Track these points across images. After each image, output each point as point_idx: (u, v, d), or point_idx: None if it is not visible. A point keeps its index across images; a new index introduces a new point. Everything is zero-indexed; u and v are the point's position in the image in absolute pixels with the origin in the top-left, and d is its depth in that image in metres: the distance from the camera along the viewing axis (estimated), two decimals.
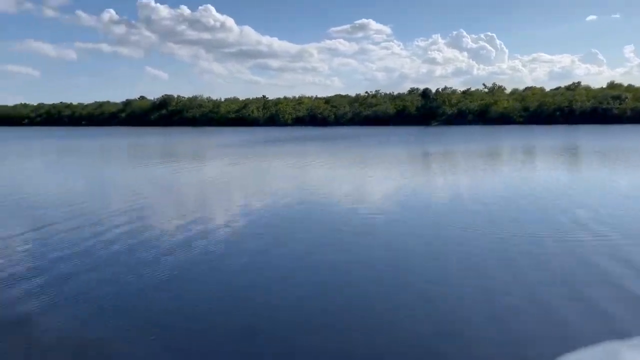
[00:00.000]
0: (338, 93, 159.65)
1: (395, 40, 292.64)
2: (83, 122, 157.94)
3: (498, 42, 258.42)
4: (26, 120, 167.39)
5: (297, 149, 52.12)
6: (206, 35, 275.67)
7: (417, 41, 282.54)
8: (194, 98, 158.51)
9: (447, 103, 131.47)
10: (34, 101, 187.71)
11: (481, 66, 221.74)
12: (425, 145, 53.26)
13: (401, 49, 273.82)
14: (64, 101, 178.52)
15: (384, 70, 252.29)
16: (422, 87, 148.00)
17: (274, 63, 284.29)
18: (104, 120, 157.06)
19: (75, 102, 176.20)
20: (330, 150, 48.89)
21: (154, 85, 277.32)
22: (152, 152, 50.43)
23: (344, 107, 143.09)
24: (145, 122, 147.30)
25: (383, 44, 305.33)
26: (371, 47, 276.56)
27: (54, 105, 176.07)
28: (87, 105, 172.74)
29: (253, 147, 55.37)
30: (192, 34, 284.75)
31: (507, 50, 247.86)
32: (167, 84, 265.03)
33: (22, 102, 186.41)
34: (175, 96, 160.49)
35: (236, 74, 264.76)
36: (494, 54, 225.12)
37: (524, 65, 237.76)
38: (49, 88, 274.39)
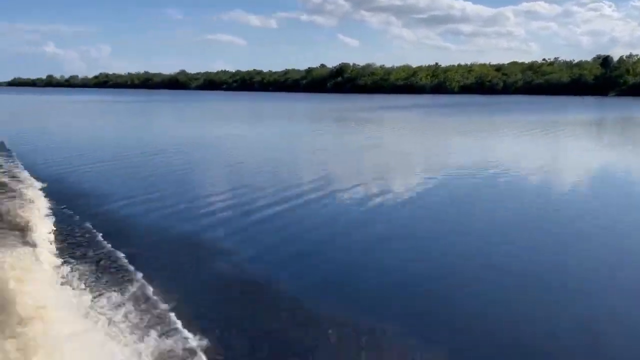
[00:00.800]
0: (534, 59, 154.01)
1: (605, 1, 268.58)
2: (270, 88, 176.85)
3: None
4: (224, 86, 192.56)
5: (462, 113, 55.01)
6: (397, 2, 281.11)
7: (633, 1, 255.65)
8: (367, 66, 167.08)
9: (630, 72, 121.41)
10: (233, 68, 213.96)
11: None
12: None
13: (612, 10, 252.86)
14: (256, 68, 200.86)
15: (589, 34, 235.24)
16: (636, 52, 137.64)
17: (465, 28, 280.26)
18: (287, 87, 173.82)
19: (265, 70, 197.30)
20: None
21: (345, 52, 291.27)
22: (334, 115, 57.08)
23: (516, 74, 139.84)
24: (322, 89, 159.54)
25: (590, 5, 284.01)
26: (576, 9, 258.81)
27: (247, 72, 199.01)
28: (274, 73, 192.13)
29: (425, 113, 59.03)
30: (384, 1, 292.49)
31: None
32: (357, 51, 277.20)
33: (223, 69, 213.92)
34: (351, 64, 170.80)
35: (425, 40, 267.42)
36: None
37: None
38: (251, 55, 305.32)
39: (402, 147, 27.64)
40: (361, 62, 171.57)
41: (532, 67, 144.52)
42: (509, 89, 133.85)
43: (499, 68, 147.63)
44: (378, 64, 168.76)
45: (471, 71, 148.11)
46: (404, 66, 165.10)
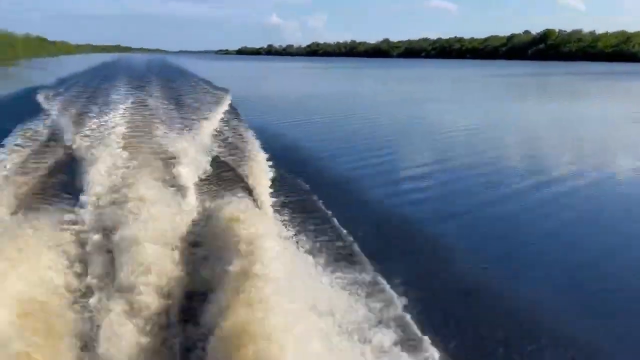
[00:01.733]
0: None
1: None
2: (467, 56, 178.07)
3: None
4: (423, 53, 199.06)
5: None
6: None
7: None
8: (575, 32, 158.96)
9: None
10: (437, 35, 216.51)
11: None
12: None
13: None
14: (459, 35, 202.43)
15: None
16: None
17: None
18: (485, 54, 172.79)
19: (467, 37, 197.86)
20: None
21: (566, 17, 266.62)
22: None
23: None
24: (522, 57, 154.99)
25: None
26: None
27: (447, 40, 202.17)
28: (474, 40, 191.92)
29: None
30: None
31: None
32: (581, 15, 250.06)
33: (424, 37, 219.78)
34: (557, 30, 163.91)
35: None
36: None
37: None
38: (459, 22, 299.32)
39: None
40: (585, 27, 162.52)
41: None
42: None
43: None
44: (603, 28, 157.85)
45: None
46: (617, 32, 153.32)
